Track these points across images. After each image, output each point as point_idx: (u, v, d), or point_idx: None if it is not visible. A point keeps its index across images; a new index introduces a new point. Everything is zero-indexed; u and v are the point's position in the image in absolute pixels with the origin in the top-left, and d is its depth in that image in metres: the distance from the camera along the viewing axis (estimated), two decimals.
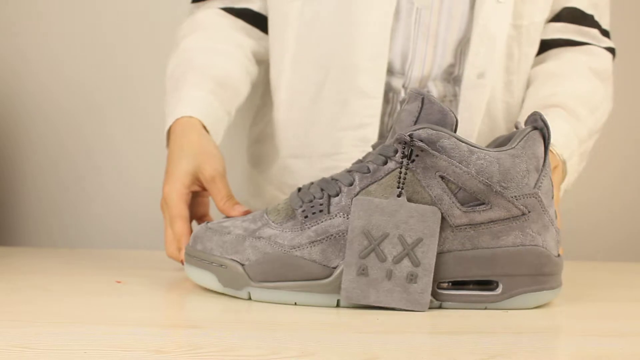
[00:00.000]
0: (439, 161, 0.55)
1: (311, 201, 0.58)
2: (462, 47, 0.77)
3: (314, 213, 0.58)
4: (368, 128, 0.76)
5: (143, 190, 1.09)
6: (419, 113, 0.57)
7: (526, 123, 0.60)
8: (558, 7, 0.82)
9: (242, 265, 0.58)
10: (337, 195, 0.58)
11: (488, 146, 0.62)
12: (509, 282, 0.58)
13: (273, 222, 0.59)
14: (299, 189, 0.62)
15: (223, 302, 0.58)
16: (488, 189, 0.55)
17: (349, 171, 0.58)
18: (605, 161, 1.12)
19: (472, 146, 0.55)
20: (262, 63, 0.86)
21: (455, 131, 0.57)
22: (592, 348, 0.48)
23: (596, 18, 0.84)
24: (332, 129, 0.78)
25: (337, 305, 0.57)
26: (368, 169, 0.57)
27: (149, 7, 1.07)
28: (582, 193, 1.10)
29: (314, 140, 0.80)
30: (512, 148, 0.56)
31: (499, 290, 0.58)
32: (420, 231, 0.56)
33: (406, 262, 0.56)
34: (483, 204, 0.56)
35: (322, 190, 0.59)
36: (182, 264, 0.66)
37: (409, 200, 0.56)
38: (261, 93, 0.91)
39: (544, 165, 0.57)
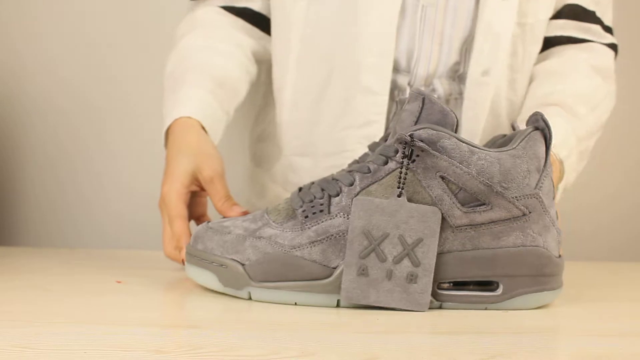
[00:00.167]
0: (440, 161, 0.55)
1: (311, 201, 0.58)
2: (467, 45, 0.77)
3: (314, 213, 0.58)
4: (374, 126, 0.76)
5: (142, 190, 1.09)
6: (420, 113, 0.57)
7: (527, 123, 0.60)
8: (560, 5, 0.82)
9: (243, 265, 0.58)
10: (338, 195, 0.58)
11: (487, 145, 0.62)
12: (510, 283, 0.58)
13: (273, 222, 0.59)
14: (300, 189, 0.62)
15: (223, 302, 0.58)
16: (489, 189, 0.55)
17: (350, 171, 0.58)
18: (606, 162, 1.12)
19: (473, 146, 0.55)
20: (262, 62, 0.86)
21: (456, 131, 0.57)
22: (592, 348, 0.48)
23: (598, 14, 0.83)
24: (337, 127, 0.78)
25: (337, 305, 0.57)
26: (369, 169, 0.57)
27: (148, 8, 1.07)
28: (582, 193, 1.10)
29: (318, 139, 0.80)
30: (513, 148, 0.56)
31: (500, 290, 0.58)
32: (421, 231, 0.56)
33: (406, 263, 0.56)
34: (484, 204, 0.56)
35: (322, 190, 0.59)
36: (182, 263, 0.66)
37: (410, 200, 0.56)
38: (263, 92, 0.91)
39: (545, 165, 0.57)
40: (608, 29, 0.85)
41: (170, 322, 0.53)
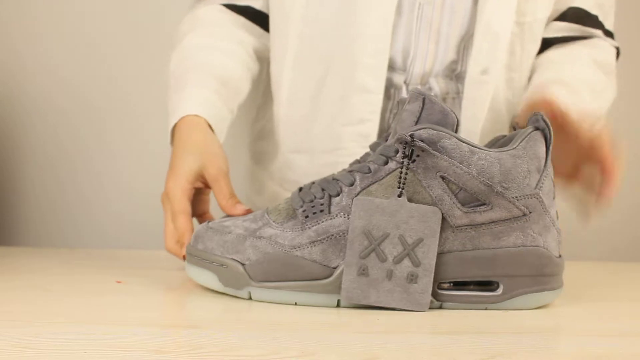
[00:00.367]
0: (440, 161, 0.55)
1: (312, 201, 0.58)
2: (465, 43, 0.77)
3: (314, 213, 0.58)
4: (368, 124, 0.76)
5: (143, 190, 1.09)
6: (420, 113, 0.57)
7: (528, 123, 0.60)
8: (563, 7, 0.82)
9: (243, 265, 0.58)
10: (338, 195, 0.58)
11: (488, 146, 0.62)
12: (510, 283, 0.58)
13: (274, 221, 0.59)
14: (300, 189, 0.62)
15: (223, 302, 0.58)
16: (489, 189, 0.55)
17: (350, 171, 0.58)
18: None
19: (473, 146, 0.55)
20: (263, 60, 0.86)
21: (456, 131, 0.57)
22: (592, 348, 0.48)
23: (600, 19, 0.83)
24: (333, 124, 0.78)
25: (338, 305, 0.57)
26: (369, 169, 0.57)
27: (148, 8, 1.07)
28: None
29: (315, 136, 0.80)
30: (513, 148, 0.56)
31: (500, 290, 0.58)
32: (421, 231, 0.56)
33: (407, 262, 0.56)
34: (484, 204, 0.56)
35: (323, 190, 0.59)
36: (183, 259, 0.66)
37: (410, 200, 0.56)
38: (262, 90, 0.92)
39: (545, 165, 0.57)
40: (609, 34, 0.85)
41: (170, 322, 0.53)
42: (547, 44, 0.83)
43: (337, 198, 0.57)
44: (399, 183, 0.56)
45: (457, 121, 0.57)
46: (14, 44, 1.07)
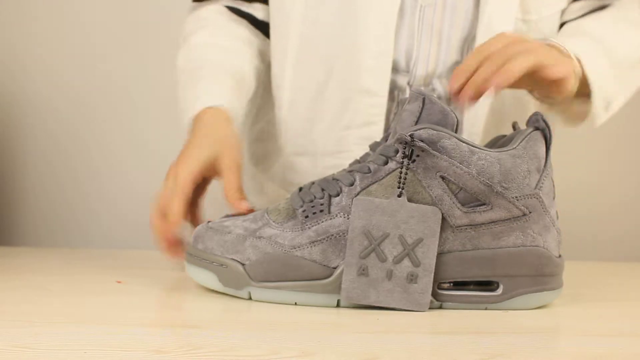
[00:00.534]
0: (440, 161, 0.55)
1: (312, 201, 0.58)
2: (468, 44, 0.77)
3: (314, 213, 0.58)
4: (373, 126, 0.76)
5: (143, 190, 1.09)
6: (420, 113, 0.57)
7: (528, 124, 0.60)
8: None
9: (243, 265, 0.58)
10: (338, 195, 0.58)
11: (488, 146, 0.62)
12: (510, 283, 0.58)
13: (274, 221, 0.59)
14: (300, 189, 0.62)
15: (223, 302, 0.58)
16: (489, 189, 0.55)
17: (350, 171, 0.58)
18: (606, 162, 1.12)
19: (473, 146, 0.55)
20: (265, 62, 0.86)
21: (456, 131, 0.57)
22: (592, 348, 0.48)
23: None
24: (336, 127, 0.78)
25: (337, 305, 0.57)
26: (369, 169, 0.57)
27: (148, 9, 1.07)
28: (583, 193, 1.10)
29: (317, 139, 0.80)
30: (513, 148, 0.56)
31: (500, 290, 0.58)
32: (421, 231, 0.56)
33: (406, 262, 0.56)
34: (484, 204, 0.56)
35: (322, 190, 0.59)
36: (168, 241, 0.66)
37: (410, 200, 0.56)
38: (261, 92, 0.91)
39: (545, 165, 0.57)
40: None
41: (170, 322, 0.53)
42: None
43: (337, 198, 0.57)
44: (399, 183, 0.56)
45: (457, 121, 0.57)
46: (15, 44, 1.07)
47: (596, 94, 0.72)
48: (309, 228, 0.57)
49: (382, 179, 0.56)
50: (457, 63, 0.78)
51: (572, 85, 0.68)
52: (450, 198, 0.55)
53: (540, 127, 0.58)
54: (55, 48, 1.07)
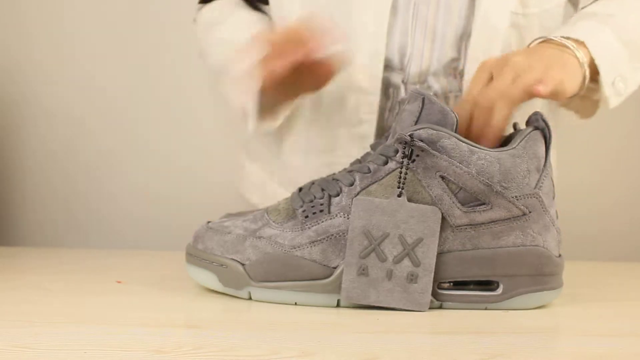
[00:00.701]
0: (440, 161, 0.55)
1: (312, 201, 0.58)
2: (465, 41, 0.77)
3: (314, 213, 0.58)
4: (365, 125, 0.76)
5: (143, 190, 1.09)
6: (420, 113, 0.57)
7: (527, 123, 0.60)
8: None
9: (243, 265, 0.58)
10: (338, 195, 0.58)
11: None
12: (510, 283, 0.58)
13: (274, 221, 0.59)
14: (300, 189, 0.62)
15: (223, 302, 0.58)
16: (488, 189, 0.55)
17: (350, 171, 0.59)
18: (607, 163, 1.12)
19: (473, 146, 0.55)
20: None
21: (456, 131, 0.57)
22: (592, 348, 0.48)
23: None
24: (330, 125, 0.78)
25: (337, 305, 0.57)
26: (369, 169, 0.57)
27: (148, 9, 1.07)
28: (582, 193, 1.10)
29: (312, 137, 0.80)
30: (512, 148, 0.56)
31: (500, 290, 0.58)
32: (421, 231, 0.56)
33: (406, 262, 0.56)
34: (483, 204, 0.56)
35: (322, 190, 0.59)
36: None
37: (410, 200, 0.56)
38: None
39: (545, 165, 0.57)
40: None
41: (170, 322, 0.53)
42: None
43: (337, 198, 0.57)
44: (399, 183, 0.56)
45: (457, 121, 0.57)
46: (16, 44, 1.07)
47: (604, 77, 0.70)
48: (309, 228, 0.57)
49: (382, 178, 0.56)
50: (451, 60, 0.78)
51: (571, 87, 0.67)
52: (450, 198, 0.55)
53: (540, 126, 0.58)
54: (57, 48, 1.07)
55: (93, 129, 1.08)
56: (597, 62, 0.69)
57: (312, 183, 0.61)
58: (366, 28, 0.75)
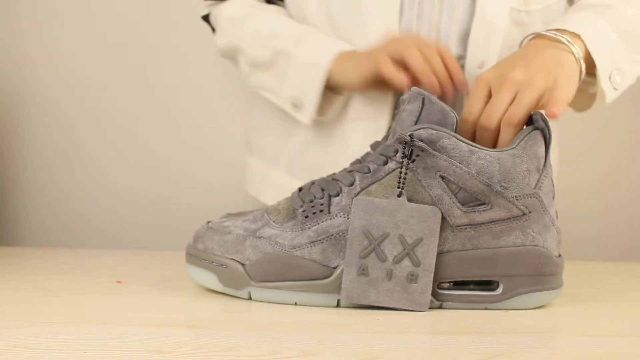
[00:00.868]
0: (440, 161, 0.55)
1: (312, 201, 0.58)
2: (466, 38, 0.77)
3: (314, 213, 0.58)
4: (378, 119, 0.77)
5: (143, 190, 1.09)
6: (420, 113, 0.57)
7: (527, 123, 0.60)
8: None
9: (243, 265, 0.58)
10: (338, 195, 0.58)
11: None
12: (510, 283, 0.58)
13: (274, 221, 0.59)
14: (300, 189, 0.62)
15: (223, 302, 0.58)
16: (488, 189, 0.55)
17: (350, 171, 0.59)
18: (607, 163, 1.12)
19: (473, 146, 0.55)
20: None
21: (455, 131, 0.57)
22: (592, 348, 0.48)
23: None
24: (342, 119, 0.79)
25: (337, 305, 0.57)
26: (369, 169, 0.57)
27: (148, 9, 1.07)
28: (582, 193, 1.10)
29: (322, 131, 0.80)
30: (512, 148, 0.56)
31: (500, 290, 0.58)
32: (421, 231, 0.56)
33: (406, 262, 0.56)
34: (483, 204, 0.56)
35: (322, 190, 0.59)
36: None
37: (410, 200, 0.56)
38: None
39: (544, 165, 0.57)
40: None
41: (170, 322, 0.53)
42: None
43: (337, 198, 0.57)
44: (399, 183, 0.56)
45: (457, 121, 0.57)
46: (15, 45, 1.07)
47: (601, 71, 0.70)
48: (308, 228, 0.57)
49: (381, 178, 0.56)
50: (457, 58, 0.78)
51: (573, 88, 0.66)
52: (450, 198, 0.55)
53: (540, 126, 0.58)
54: (56, 47, 1.07)
55: (93, 129, 1.08)
56: (593, 55, 0.69)
57: (312, 183, 0.61)
58: (375, 28, 0.75)
